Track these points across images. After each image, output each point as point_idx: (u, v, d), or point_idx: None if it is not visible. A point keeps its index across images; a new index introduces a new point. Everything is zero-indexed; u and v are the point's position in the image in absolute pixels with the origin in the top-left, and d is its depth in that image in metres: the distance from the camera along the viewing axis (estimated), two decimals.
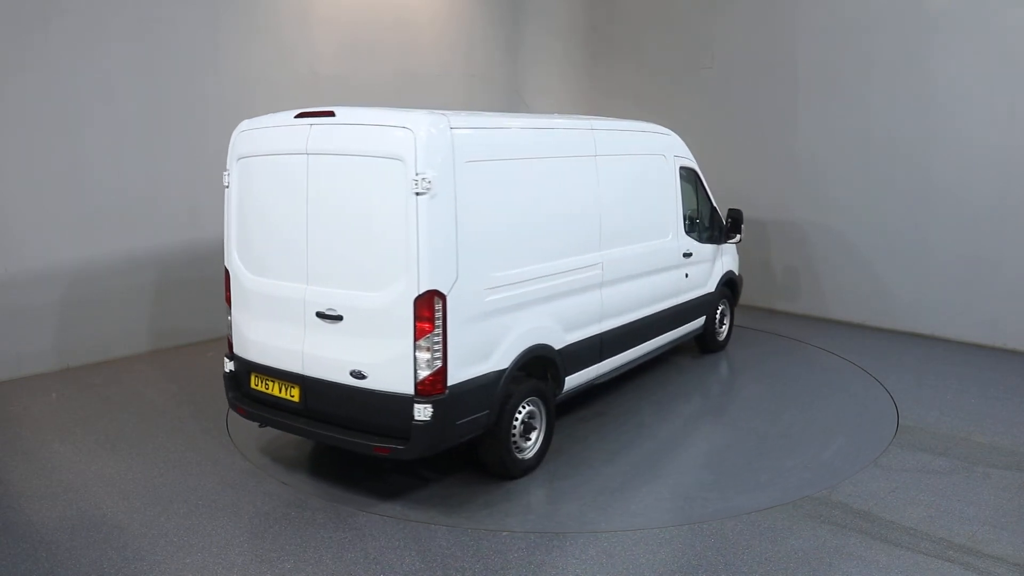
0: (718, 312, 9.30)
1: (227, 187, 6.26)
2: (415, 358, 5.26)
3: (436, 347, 5.25)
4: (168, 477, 6.28)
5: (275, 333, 5.93)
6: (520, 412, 6.05)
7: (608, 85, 13.49)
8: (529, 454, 6.20)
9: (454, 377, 5.38)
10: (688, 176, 8.59)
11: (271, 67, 10.08)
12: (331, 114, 5.63)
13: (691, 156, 8.69)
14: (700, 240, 8.68)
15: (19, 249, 8.49)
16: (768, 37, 11.32)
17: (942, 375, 8.63)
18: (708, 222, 9.01)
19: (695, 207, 8.77)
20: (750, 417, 7.67)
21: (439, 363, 5.27)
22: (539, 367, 6.28)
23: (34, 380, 8.47)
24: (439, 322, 5.23)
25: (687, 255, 8.34)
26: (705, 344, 9.34)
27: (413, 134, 5.20)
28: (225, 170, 6.28)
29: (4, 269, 8.39)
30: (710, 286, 8.96)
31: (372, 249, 5.41)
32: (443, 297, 5.25)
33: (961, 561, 5.06)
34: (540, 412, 6.26)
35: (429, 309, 5.19)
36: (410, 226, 5.17)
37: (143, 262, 9.36)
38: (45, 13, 8.37)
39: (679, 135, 8.64)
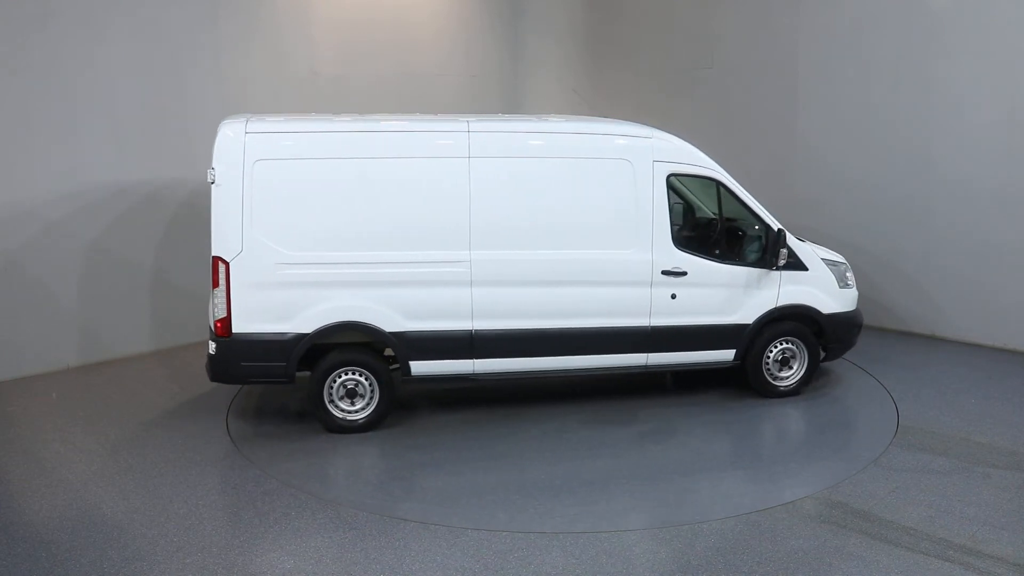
0: (772, 350, 7.82)
1: None
2: (213, 306, 6.82)
3: (220, 300, 6.73)
4: (168, 477, 6.28)
5: None
6: (340, 377, 7.03)
7: (607, 85, 13.48)
8: (355, 416, 7.11)
9: (241, 327, 6.77)
10: (694, 185, 8.02)
11: (271, 67, 10.07)
12: None
13: (700, 162, 7.61)
14: (721, 260, 7.62)
15: (18, 248, 8.48)
16: (768, 37, 11.31)
17: (942, 375, 8.62)
18: (748, 241, 7.84)
19: (715, 221, 7.96)
20: (749, 417, 7.66)
21: (223, 313, 6.74)
22: (374, 344, 7.16)
23: (34, 380, 8.47)
24: (223, 282, 6.69)
25: (672, 273, 7.39)
26: (751, 385, 7.92)
27: (217, 136, 6.76)
28: None
29: (4, 269, 8.39)
30: (743, 316, 7.64)
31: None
32: (226, 263, 6.68)
33: (961, 561, 5.07)
34: (370, 383, 7.10)
35: (215, 271, 6.71)
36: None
37: (143, 261, 9.35)
38: (44, 12, 8.37)
39: (681, 136, 7.84)
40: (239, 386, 8.18)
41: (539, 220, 7.18)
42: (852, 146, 10.57)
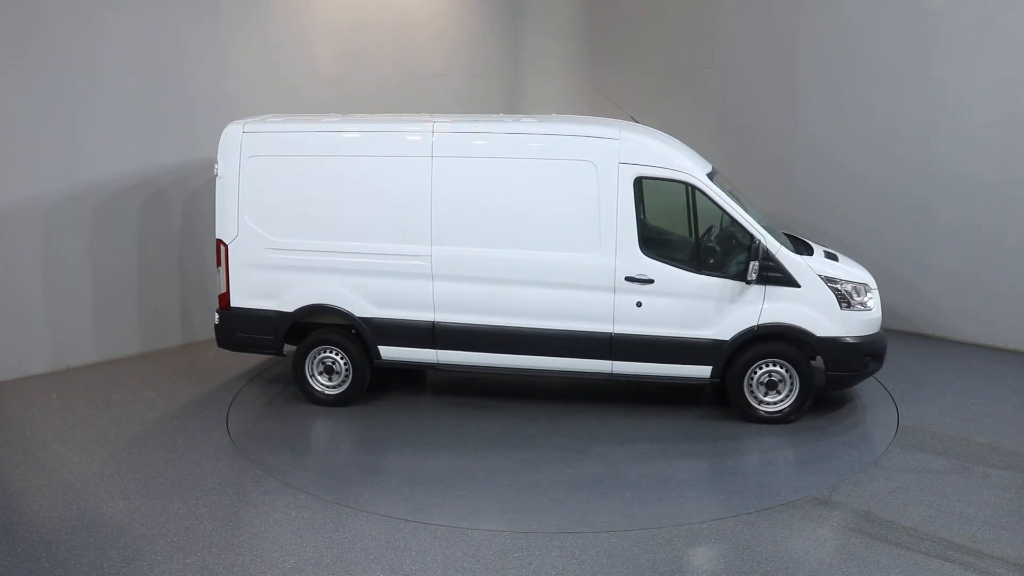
0: (755, 372, 7.24)
1: None
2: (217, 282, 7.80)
3: (222, 278, 7.68)
4: (168, 477, 6.28)
5: None
6: (320, 355, 7.70)
7: (607, 85, 13.47)
8: (330, 392, 7.76)
9: (237, 302, 7.69)
10: (669, 190, 7.44)
11: (271, 68, 10.06)
12: None
13: (672, 165, 7.16)
14: (695, 270, 7.13)
15: (19, 248, 8.48)
16: (768, 37, 11.31)
17: (942, 375, 8.63)
18: (728, 251, 7.28)
19: (688, 227, 7.55)
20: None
21: (224, 288, 7.70)
22: (347, 327, 7.67)
23: (34, 380, 8.47)
24: (223, 261, 7.64)
25: (638, 280, 7.08)
26: (731, 407, 7.39)
27: (221, 135, 7.64)
28: None
29: (4, 268, 8.39)
30: (719, 331, 7.11)
31: None
32: (226, 246, 7.62)
33: (961, 561, 5.07)
34: (345, 362, 7.68)
35: (218, 252, 7.68)
36: None
37: (144, 261, 9.34)
38: (44, 12, 8.37)
39: (680, 137, 7.74)
40: (239, 386, 8.24)
41: (497, 219, 7.26)
42: (852, 146, 10.57)
